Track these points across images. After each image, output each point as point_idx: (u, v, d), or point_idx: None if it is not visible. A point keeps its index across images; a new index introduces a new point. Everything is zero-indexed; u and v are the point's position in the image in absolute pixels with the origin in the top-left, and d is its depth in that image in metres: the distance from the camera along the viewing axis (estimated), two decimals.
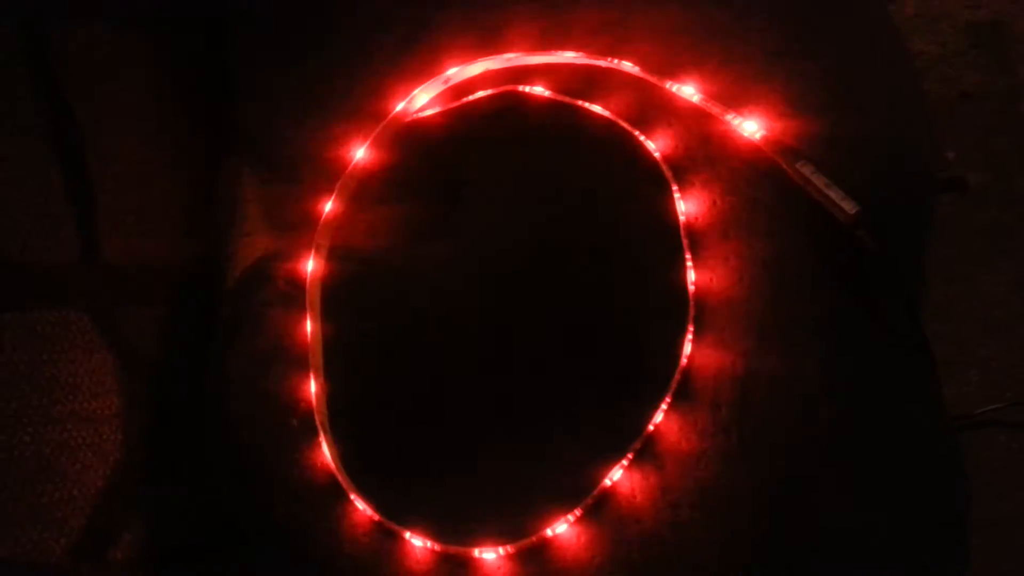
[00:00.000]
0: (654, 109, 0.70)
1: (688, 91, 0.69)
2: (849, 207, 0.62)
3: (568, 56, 0.73)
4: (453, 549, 0.68)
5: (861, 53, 0.71)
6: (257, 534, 0.75)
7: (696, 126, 0.68)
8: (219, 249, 0.84)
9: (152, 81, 0.85)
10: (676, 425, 0.65)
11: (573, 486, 0.66)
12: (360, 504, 0.71)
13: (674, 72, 0.70)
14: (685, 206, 0.67)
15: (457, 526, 0.68)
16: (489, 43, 0.75)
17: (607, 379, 0.68)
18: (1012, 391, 0.74)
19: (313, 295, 0.78)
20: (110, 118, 0.81)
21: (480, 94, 0.76)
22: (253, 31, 0.86)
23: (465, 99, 0.77)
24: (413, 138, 0.79)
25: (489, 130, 0.76)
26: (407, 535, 0.69)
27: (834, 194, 0.63)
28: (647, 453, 0.65)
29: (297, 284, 0.78)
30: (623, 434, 0.66)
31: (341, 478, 0.72)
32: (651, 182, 0.69)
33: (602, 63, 0.71)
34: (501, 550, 0.67)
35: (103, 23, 0.81)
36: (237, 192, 0.85)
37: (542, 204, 0.73)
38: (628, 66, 0.71)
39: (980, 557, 0.68)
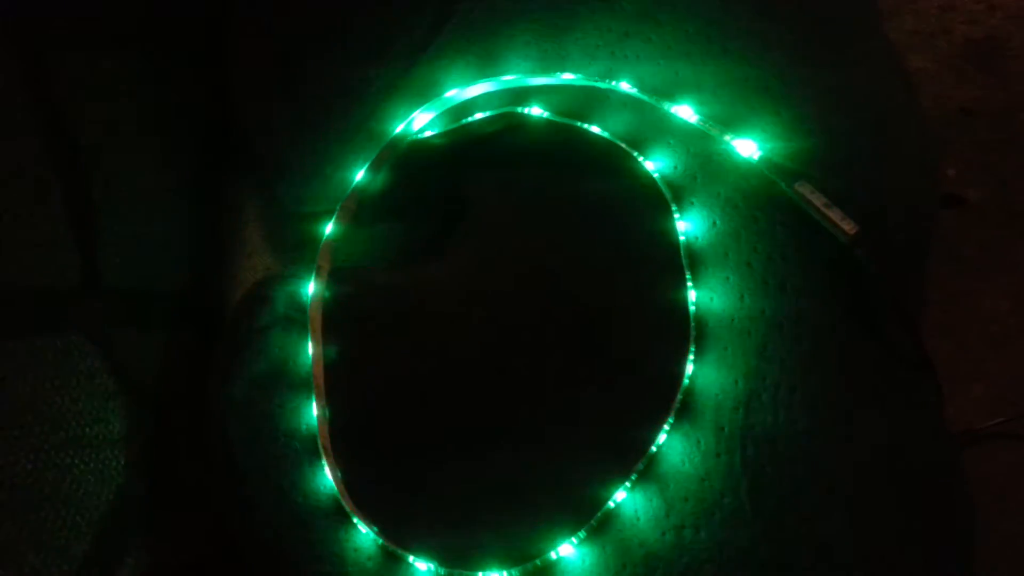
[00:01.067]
0: (653, 130, 0.70)
1: (686, 112, 0.69)
2: (848, 227, 0.63)
3: (567, 78, 0.73)
4: (457, 572, 0.68)
5: (859, 71, 0.71)
6: (260, 558, 0.74)
7: (695, 147, 0.69)
8: (220, 272, 0.84)
9: (152, 105, 0.85)
10: (679, 446, 0.65)
11: (577, 508, 0.66)
12: (363, 527, 0.71)
13: (672, 93, 0.70)
14: (684, 226, 0.68)
15: (461, 549, 0.68)
16: (488, 65, 0.75)
17: (609, 400, 0.68)
18: (1014, 406, 0.74)
19: (315, 317, 0.78)
20: (111, 142, 0.81)
21: (479, 115, 0.76)
22: (253, 54, 0.86)
23: (464, 120, 0.77)
24: (413, 159, 0.79)
25: (488, 151, 0.77)
26: (411, 559, 0.69)
27: (833, 214, 0.63)
28: (650, 474, 0.65)
29: (298, 307, 0.78)
30: (626, 455, 0.66)
31: (344, 501, 0.72)
32: (650, 203, 0.69)
33: (600, 84, 0.72)
34: (505, 573, 0.66)
35: (104, 47, 0.82)
36: (238, 215, 0.85)
37: (542, 225, 0.74)
38: (626, 87, 0.71)
39: (983, 573, 0.68)
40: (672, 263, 0.67)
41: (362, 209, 0.81)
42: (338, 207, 0.80)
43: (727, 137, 0.68)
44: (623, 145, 0.71)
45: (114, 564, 0.76)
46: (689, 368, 0.65)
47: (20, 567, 0.69)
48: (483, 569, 0.67)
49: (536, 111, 0.74)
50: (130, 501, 0.77)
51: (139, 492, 0.78)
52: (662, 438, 0.65)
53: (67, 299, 0.77)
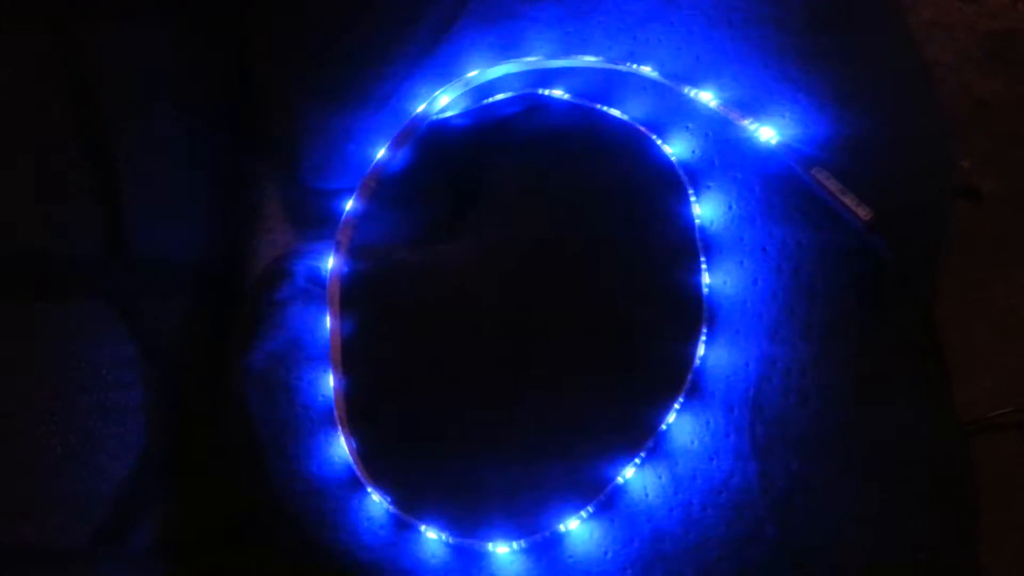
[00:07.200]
0: (672, 114, 0.71)
1: (705, 96, 0.70)
2: (863, 213, 0.63)
3: (588, 60, 0.74)
4: (468, 542, 0.69)
5: (877, 61, 0.71)
6: (275, 525, 0.76)
7: (713, 131, 0.70)
8: (241, 245, 0.86)
9: (178, 80, 0.87)
10: (689, 424, 0.66)
11: (586, 482, 0.67)
12: (376, 497, 0.72)
13: (692, 77, 0.71)
14: (700, 210, 0.68)
15: (472, 520, 0.69)
16: (510, 47, 0.76)
17: (622, 378, 0.69)
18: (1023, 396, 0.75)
19: (333, 292, 0.79)
20: (137, 116, 0.82)
21: (500, 97, 0.77)
22: (277, 30, 0.87)
23: (486, 101, 0.78)
24: (434, 139, 0.80)
25: (509, 132, 0.78)
26: (422, 528, 0.70)
27: (848, 200, 0.64)
28: (660, 451, 0.66)
29: (317, 281, 0.80)
30: (636, 432, 0.67)
31: (358, 471, 0.73)
32: (667, 185, 0.70)
33: (621, 68, 0.73)
34: (515, 544, 0.68)
35: (131, 23, 0.83)
36: (259, 190, 0.87)
37: (560, 206, 0.75)
38: (647, 71, 0.72)
39: (991, 562, 0.69)
40: (687, 246, 0.68)
41: (382, 187, 0.82)
42: (358, 185, 0.81)
43: (746, 122, 0.68)
44: (642, 129, 0.72)
45: (133, 527, 0.78)
46: (701, 349, 0.66)
47: (44, 524, 0.71)
48: (493, 540, 0.68)
49: (557, 93, 0.75)
50: (150, 467, 0.78)
51: (159, 459, 0.79)
52: (672, 417, 0.66)
53: (92, 268, 0.78)
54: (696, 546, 0.64)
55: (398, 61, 0.79)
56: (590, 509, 0.66)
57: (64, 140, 0.77)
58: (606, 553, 0.66)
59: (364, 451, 0.75)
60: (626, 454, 0.66)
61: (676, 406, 0.66)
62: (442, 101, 0.79)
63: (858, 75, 0.69)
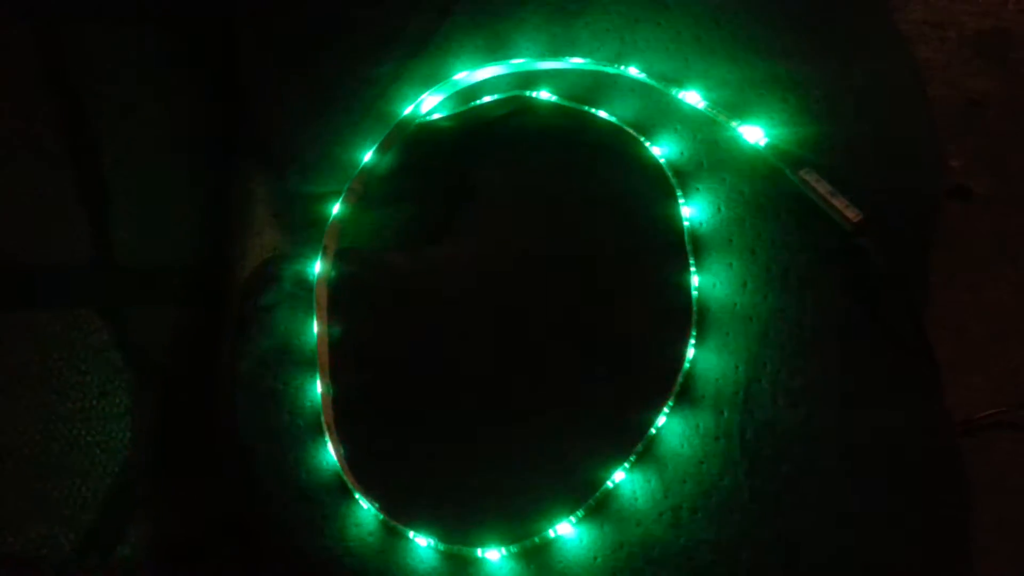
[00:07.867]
0: (660, 115, 0.71)
1: (693, 98, 0.69)
2: (853, 214, 0.63)
3: (575, 62, 0.73)
4: (457, 549, 0.68)
5: (866, 61, 0.71)
6: (263, 533, 0.75)
7: (701, 133, 0.69)
8: (228, 250, 0.85)
9: (163, 83, 0.86)
10: (678, 428, 0.65)
11: (576, 487, 0.67)
12: (365, 503, 0.72)
13: (680, 79, 0.70)
14: (689, 212, 0.68)
15: (461, 526, 0.69)
16: (497, 48, 0.76)
17: (611, 382, 0.69)
18: (1015, 395, 0.75)
19: (320, 296, 0.79)
20: (122, 120, 0.82)
21: (488, 99, 0.77)
22: (264, 33, 0.87)
23: (473, 103, 0.77)
24: (421, 142, 0.79)
25: (496, 135, 0.77)
26: (411, 534, 0.70)
27: (838, 201, 0.63)
28: (649, 455, 0.66)
29: (304, 285, 0.79)
30: (626, 436, 0.66)
31: (347, 477, 0.73)
32: (656, 188, 0.69)
33: (609, 69, 0.72)
34: (504, 550, 0.67)
35: (116, 26, 0.82)
36: (246, 194, 0.86)
37: (548, 209, 0.74)
38: (634, 72, 0.71)
39: (983, 561, 0.68)
40: (676, 248, 0.68)
41: (369, 190, 0.82)
42: (345, 188, 0.81)
43: (734, 123, 0.68)
44: (630, 130, 0.71)
45: (118, 535, 0.77)
46: (690, 352, 0.66)
47: (27, 536, 0.70)
48: (482, 545, 0.68)
49: (544, 95, 0.75)
50: (135, 474, 0.78)
51: (144, 465, 0.79)
52: (662, 421, 0.66)
53: (77, 274, 0.77)
54: (686, 550, 0.64)
55: (385, 64, 0.79)
56: (580, 514, 0.66)
57: (50, 146, 0.76)
58: (596, 558, 0.65)
59: (352, 457, 0.74)
60: (616, 458, 0.66)
61: (666, 410, 0.66)
62: (429, 103, 0.78)
63: (847, 75, 0.69)
